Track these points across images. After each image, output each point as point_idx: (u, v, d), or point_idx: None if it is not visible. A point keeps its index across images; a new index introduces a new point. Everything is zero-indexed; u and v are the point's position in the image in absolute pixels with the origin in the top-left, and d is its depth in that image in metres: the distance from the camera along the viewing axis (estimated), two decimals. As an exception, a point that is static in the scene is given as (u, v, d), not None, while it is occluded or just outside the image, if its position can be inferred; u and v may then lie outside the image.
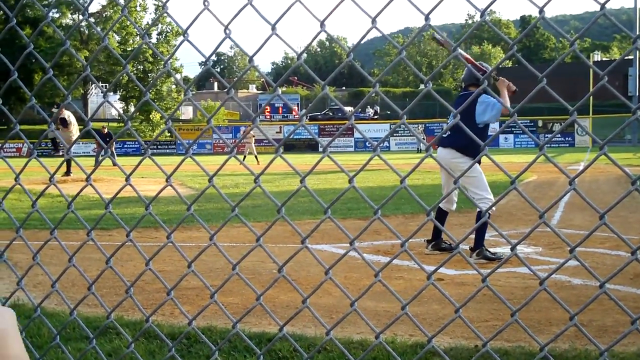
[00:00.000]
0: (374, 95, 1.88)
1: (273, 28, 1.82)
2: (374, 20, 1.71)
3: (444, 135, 7.88)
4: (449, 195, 7.83)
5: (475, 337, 4.47)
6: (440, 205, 7.71)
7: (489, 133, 8.47)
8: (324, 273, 1.98)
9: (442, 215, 7.95)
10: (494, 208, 7.49)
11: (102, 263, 5.93)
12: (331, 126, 60.52)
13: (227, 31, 1.94)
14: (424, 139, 8.91)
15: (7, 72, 2.41)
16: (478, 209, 7.54)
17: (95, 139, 33.36)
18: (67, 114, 20.84)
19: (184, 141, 2.55)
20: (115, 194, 2.31)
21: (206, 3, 1.92)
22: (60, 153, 23.99)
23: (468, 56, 7.97)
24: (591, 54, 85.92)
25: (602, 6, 1.56)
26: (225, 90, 2.00)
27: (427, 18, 1.67)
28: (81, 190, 2.25)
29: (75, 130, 20.93)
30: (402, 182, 1.81)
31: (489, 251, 7.44)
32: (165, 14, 2.13)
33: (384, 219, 1.89)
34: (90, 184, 2.19)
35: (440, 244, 8.00)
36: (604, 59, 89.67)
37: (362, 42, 2.01)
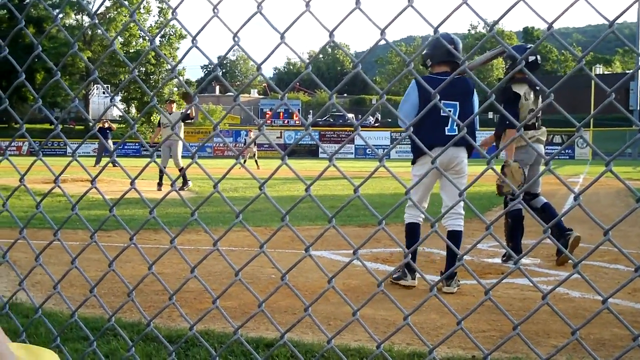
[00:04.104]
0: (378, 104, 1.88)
1: (282, 37, 1.82)
2: (382, 32, 1.72)
3: (455, 133, 6.46)
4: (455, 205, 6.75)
5: (472, 347, 4.47)
6: (414, 216, 6.84)
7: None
8: (323, 279, 1.99)
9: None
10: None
11: (101, 264, 5.94)
12: (332, 132, 60.66)
13: (236, 38, 1.94)
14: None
15: (10, 71, 2.42)
16: (451, 228, 6.64)
17: (99, 140, 33.30)
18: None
19: (188, 144, 2.56)
20: (120, 197, 2.32)
21: (216, 10, 1.92)
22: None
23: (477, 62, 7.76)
24: (593, 67, 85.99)
25: (612, 23, 1.56)
26: (228, 94, 2.01)
27: (436, 30, 1.67)
28: (86, 192, 2.25)
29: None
30: (407, 193, 1.82)
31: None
32: (172, 19, 2.14)
33: (387, 228, 1.89)
34: (95, 187, 2.20)
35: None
36: (605, 72, 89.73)
37: (365, 50, 2.01)
